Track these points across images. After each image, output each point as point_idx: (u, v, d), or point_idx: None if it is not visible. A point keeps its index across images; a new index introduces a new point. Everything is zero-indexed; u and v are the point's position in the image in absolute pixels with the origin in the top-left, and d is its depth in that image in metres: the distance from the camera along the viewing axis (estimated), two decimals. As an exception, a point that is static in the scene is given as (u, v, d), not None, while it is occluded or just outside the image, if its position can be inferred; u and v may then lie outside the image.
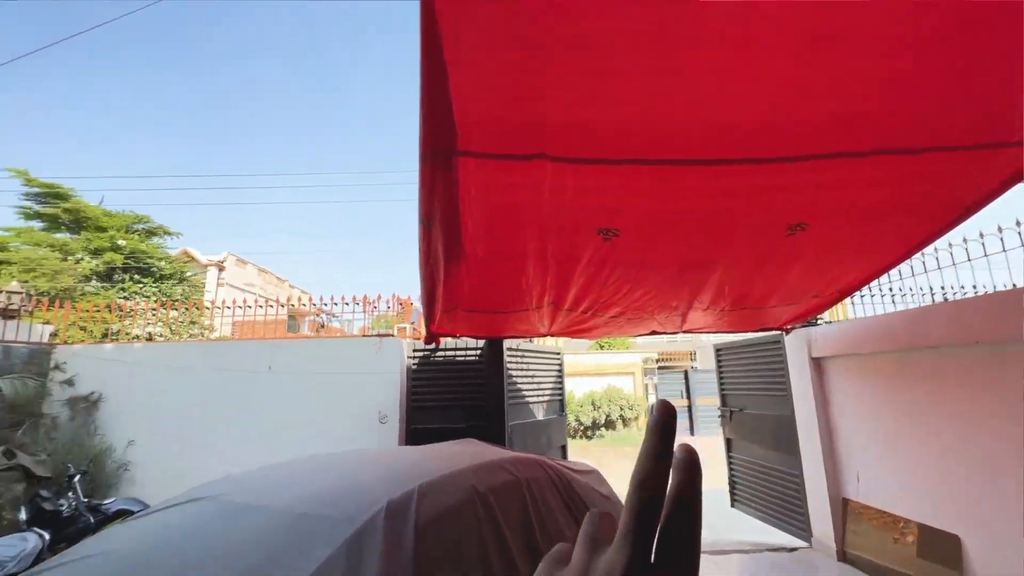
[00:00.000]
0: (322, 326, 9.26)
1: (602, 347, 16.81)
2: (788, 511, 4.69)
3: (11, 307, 4.87)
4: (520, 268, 2.97)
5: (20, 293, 5.03)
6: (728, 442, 5.76)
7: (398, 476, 1.82)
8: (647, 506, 0.26)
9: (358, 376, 4.35)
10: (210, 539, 1.47)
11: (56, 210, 14.50)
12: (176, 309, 8.03)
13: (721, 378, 5.90)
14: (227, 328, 7.35)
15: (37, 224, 14.65)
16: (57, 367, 4.60)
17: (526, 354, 5.12)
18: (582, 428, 13.41)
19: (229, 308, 5.81)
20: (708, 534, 5.09)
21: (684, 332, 4.51)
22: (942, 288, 5.00)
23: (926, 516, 3.38)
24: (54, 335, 5.14)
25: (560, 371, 5.78)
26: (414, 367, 4.62)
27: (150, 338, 7.25)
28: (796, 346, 4.57)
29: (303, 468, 2.04)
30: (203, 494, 1.79)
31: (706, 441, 13.07)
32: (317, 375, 4.41)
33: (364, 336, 4.59)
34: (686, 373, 14.80)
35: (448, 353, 4.71)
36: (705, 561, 4.17)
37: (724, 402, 5.82)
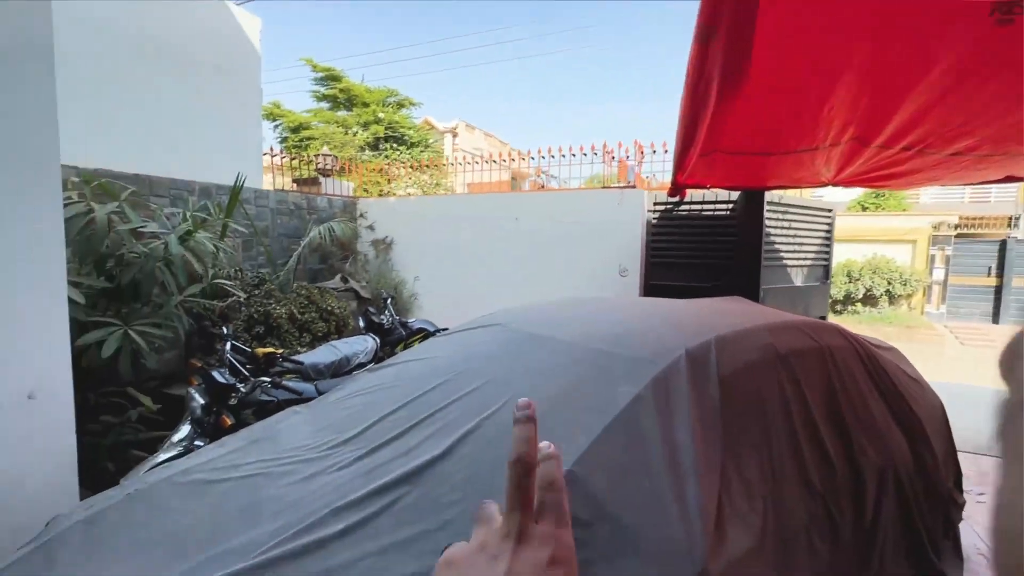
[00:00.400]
0: (542, 186, 9.54)
1: (865, 208, 13.61)
2: None
3: (326, 167, 6.22)
4: (827, 88, 2.26)
5: (331, 156, 6.37)
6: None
7: (685, 326, 1.70)
8: (524, 478, 0.34)
9: (598, 228, 4.33)
10: (515, 357, 1.61)
11: (334, 91, 17.44)
12: (424, 172, 9.15)
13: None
14: (463, 188, 8.12)
15: (324, 105, 17.97)
16: (361, 215, 5.82)
17: (789, 209, 4.32)
18: (829, 300, 11.64)
19: (465, 164, 6.36)
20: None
21: (1067, 177, 3.08)
22: None
23: None
24: (354, 191, 6.44)
25: (829, 231, 4.81)
26: (654, 221, 4.36)
27: (409, 196, 8.55)
28: None
29: (576, 308, 2.09)
30: (492, 322, 1.98)
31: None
32: (558, 226, 4.54)
33: (605, 188, 4.45)
34: (1002, 244, 11.06)
35: (693, 207, 4.26)
36: None
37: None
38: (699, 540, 0.97)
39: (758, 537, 1.20)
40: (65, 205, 2.27)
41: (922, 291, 11.31)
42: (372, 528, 1.05)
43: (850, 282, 11.35)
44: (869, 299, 11.32)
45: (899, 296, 11.24)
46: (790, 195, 4.51)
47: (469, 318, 2.19)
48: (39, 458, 1.84)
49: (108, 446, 2.68)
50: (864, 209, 13.58)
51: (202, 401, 2.25)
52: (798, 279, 4.53)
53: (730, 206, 4.13)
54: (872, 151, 2.75)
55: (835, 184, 3.59)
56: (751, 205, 3.93)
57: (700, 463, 1.13)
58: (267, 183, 6.67)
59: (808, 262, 4.65)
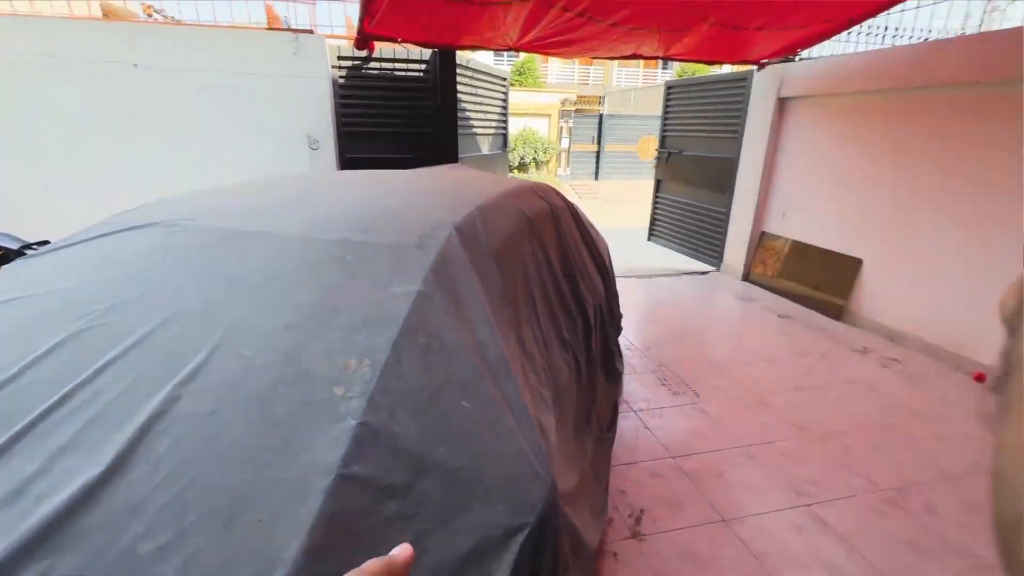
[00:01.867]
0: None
1: (511, 85, 15.51)
2: (704, 243, 5.26)
3: None
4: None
5: None
6: (658, 183, 5.97)
7: (436, 199, 1.42)
8: None
9: (271, 88, 3.35)
10: (212, 269, 1.04)
11: None
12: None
13: (666, 119, 5.72)
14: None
15: None
16: None
17: (476, 75, 4.33)
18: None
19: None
20: (623, 262, 5.68)
21: (665, 58, 3.99)
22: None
23: (838, 245, 3.93)
24: None
25: (505, 100, 5.13)
26: (342, 80, 3.68)
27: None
28: (765, 84, 4.35)
29: (286, 190, 1.53)
30: (150, 219, 1.26)
31: (609, 185, 13.93)
32: (210, 80, 3.30)
33: (272, 29, 3.37)
34: (600, 118, 14.57)
35: (386, 66, 3.76)
36: (632, 283, 4.72)
37: (663, 144, 5.79)
38: (541, 451, 0.82)
39: (551, 410, 1.18)
40: None
41: (555, 157, 14.22)
42: None
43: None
44: (522, 166, 13.53)
45: (543, 162, 13.82)
46: (474, 60, 4.50)
47: (90, 220, 1.34)
48: None
49: None
50: (512, 86, 15.45)
51: None
52: (485, 147, 4.78)
53: (423, 67, 3.82)
54: (556, 11, 2.84)
55: (518, 49, 3.70)
56: (446, 65, 3.72)
57: (510, 358, 0.96)
58: None
59: (492, 131, 4.92)
